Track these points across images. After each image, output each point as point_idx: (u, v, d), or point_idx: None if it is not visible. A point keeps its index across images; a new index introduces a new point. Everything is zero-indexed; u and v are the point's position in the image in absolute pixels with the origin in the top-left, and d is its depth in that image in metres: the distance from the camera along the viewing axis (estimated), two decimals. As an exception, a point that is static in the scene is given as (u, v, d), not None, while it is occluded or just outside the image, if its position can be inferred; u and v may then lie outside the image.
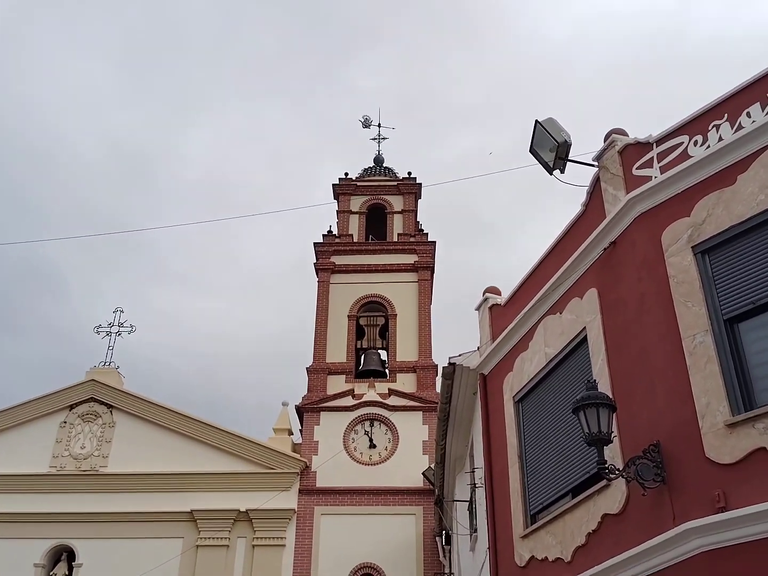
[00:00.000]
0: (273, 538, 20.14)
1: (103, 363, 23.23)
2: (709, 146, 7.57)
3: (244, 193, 63.33)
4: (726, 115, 7.56)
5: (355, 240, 25.41)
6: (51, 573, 20.21)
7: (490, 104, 65.71)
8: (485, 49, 64.81)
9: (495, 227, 62.94)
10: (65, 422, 22.06)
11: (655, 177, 7.96)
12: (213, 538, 20.06)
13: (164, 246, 61.66)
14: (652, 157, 8.15)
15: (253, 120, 66.03)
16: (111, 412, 22.19)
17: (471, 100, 64.44)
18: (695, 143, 7.74)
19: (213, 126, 65.01)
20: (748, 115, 7.37)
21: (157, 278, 61.73)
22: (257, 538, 20.15)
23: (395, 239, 25.33)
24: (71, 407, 22.30)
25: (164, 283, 61.78)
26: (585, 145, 9.63)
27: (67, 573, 20.10)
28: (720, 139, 7.50)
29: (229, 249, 63.59)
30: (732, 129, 7.43)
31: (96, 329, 23.71)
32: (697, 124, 7.82)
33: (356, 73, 66.09)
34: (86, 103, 61.25)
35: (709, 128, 7.66)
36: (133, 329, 23.83)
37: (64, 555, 20.31)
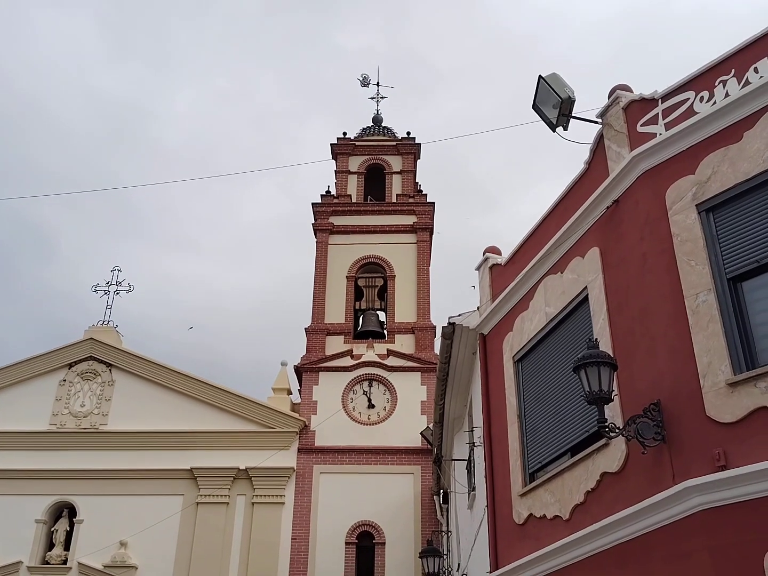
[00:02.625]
0: (272, 496, 20.34)
1: (101, 322, 23.27)
2: (715, 102, 7.43)
3: (229, 153, 62.92)
4: (733, 70, 7.41)
5: (354, 201, 25.26)
6: (52, 529, 20.46)
7: (476, 65, 64.89)
8: (473, 5, 63.75)
9: (485, 189, 62.58)
10: (64, 380, 22.15)
11: (660, 134, 7.83)
12: (213, 495, 20.26)
13: (150, 207, 61.36)
14: (657, 113, 8.00)
15: (236, 81, 65.52)
16: (110, 370, 22.26)
17: (458, 61, 63.62)
18: (701, 99, 7.60)
19: (196, 86, 64.51)
20: (756, 70, 7.22)
21: (145, 239, 61.56)
22: (257, 495, 20.35)
23: (394, 200, 25.17)
24: (70, 366, 22.39)
25: (153, 244, 61.61)
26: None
27: (68, 529, 20.37)
28: (726, 95, 7.36)
29: (216, 210, 63.30)
30: (739, 84, 7.29)
31: (94, 288, 23.73)
32: (703, 80, 7.67)
33: (340, 33, 65.19)
34: (69, 63, 60.52)
35: (716, 84, 7.51)
36: (131, 288, 23.86)
37: (65, 511, 20.57)
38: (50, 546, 20.30)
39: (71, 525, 20.37)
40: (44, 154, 58.70)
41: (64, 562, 19.93)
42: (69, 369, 22.35)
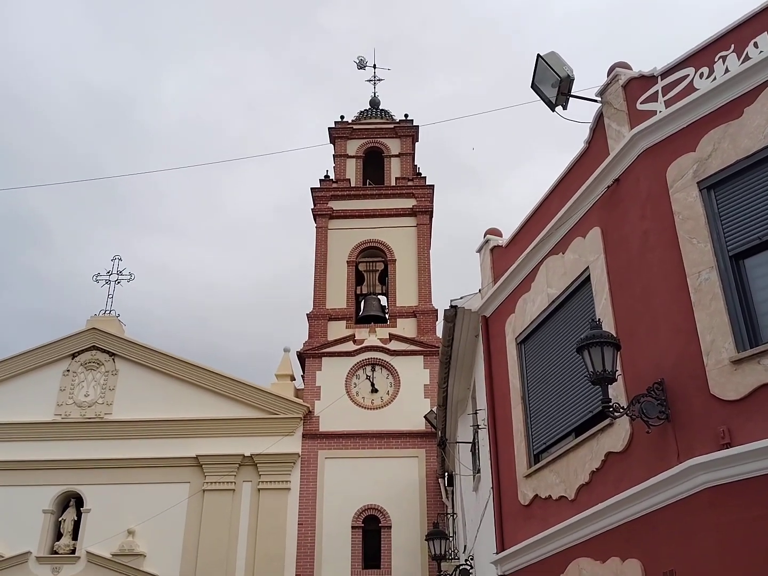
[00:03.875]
0: (278, 482, 20.43)
1: (103, 311, 23.27)
2: (715, 78, 7.36)
3: (220, 138, 62.62)
4: (733, 45, 7.33)
5: (353, 184, 25.18)
6: (60, 518, 20.56)
7: (466, 46, 64.45)
8: None
9: (477, 171, 62.34)
10: (68, 370, 22.19)
11: (660, 111, 7.76)
12: (219, 482, 20.34)
13: (141, 194, 61.13)
14: (657, 90, 7.94)
15: (227, 65, 65.19)
16: (113, 359, 22.29)
17: (448, 42, 63.19)
18: (701, 75, 7.53)
19: (187, 71, 64.12)
20: (756, 45, 7.14)
21: (140, 227, 61.38)
22: (262, 482, 20.43)
23: (393, 183, 25.08)
24: (73, 356, 22.41)
25: (149, 231, 61.38)
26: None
27: (75, 518, 20.48)
28: (726, 70, 7.29)
29: (209, 196, 63.08)
30: (739, 60, 7.22)
31: (95, 277, 23.72)
32: (703, 56, 7.60)
33: (327, 16, 64.72)
34: (54, 50, 60.11)
35: (716, 60, 7.44)
36: (132, 277, 23.84)
37: (72, 501, 20.67)
38: (58, 536, 20.43)
39: (79, 514, 20.47)
40: (30, 143, 58.50)
41: (73, 551, 20.05)
42: (72, 359, 22.39)
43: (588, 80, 8.78)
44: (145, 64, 63.39)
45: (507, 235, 11.23)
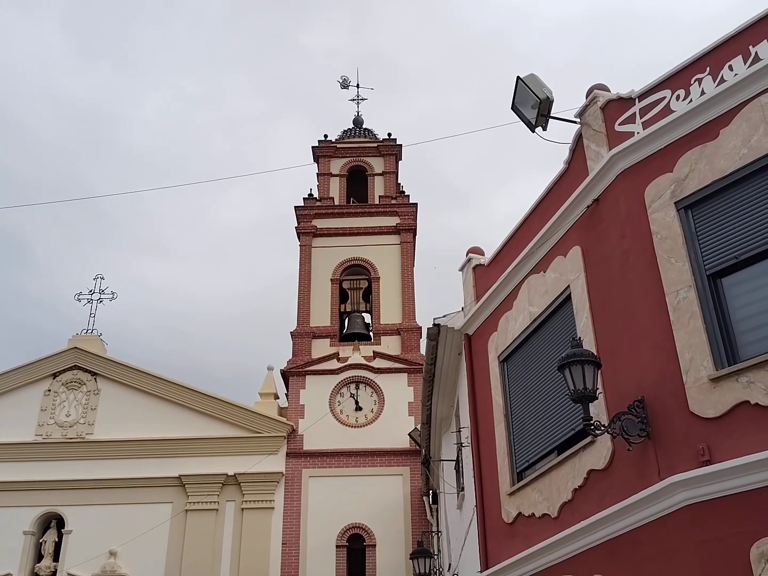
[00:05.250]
0: (262, 501, 20.31)
1: (85, 330, 23.12)
2: (691, 100, 7.51)
3: (202, 157, 62.64)
4: (708, 68, 7.49)
5: (337, 203, 25.25)
6: (41, 540, 20.32)
7: (444, 65, 64.96)
8: (436, 8, 63.78)
9: (458, 189, 62.67)
10: (49, 390, 22.02)
11: (638, 132, 7.90)
12: (202, 502, 20.20)
13: (123, 213, 60.82)
14: (635, 112, 8.08)
15: (205, 85, 65.27)
16: (95, 379, 22.14)
17: (425, 61, 63.65)
18: (677, 97, 7.67)
19: (167, 90, 64.06)
20: (731, 68, 7.30)
21: (119, 245, 60.98)
22: (246, 501, 20.31)
23: (377, 201, 25.18)
24: (54, 375, 22.24)
25: (131, 249, 61.04)
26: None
27: (56, 540, 20.23)
28: (702, 92, 7.44)
29: (191, 215, 62.95)
30: (714, 82, 7.37)
31: (77, 296, 23.59)
32: (679, 78, 7.75)
33: (306, 35, 65.09)
34: (35, 68, 59.93)
35: (692, 82, 7.59)
36: (114, 296, 23.73)
37: (54, 522, 20.43)
38: (39, 557, 20.15)
39: (60, 536, 20.23)
40: (12, 162, 58.16)
41: (54, 573, 19.79)
42: (54, 379, 22.21)
43: (568, 96, 8.90)
44: (125, 83, 63.39)
45: (489, 253, 11.32)
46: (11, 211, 53.97)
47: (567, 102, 8.91)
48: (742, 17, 7.44)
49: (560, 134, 9.14)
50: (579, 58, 59.37)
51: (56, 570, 19.80)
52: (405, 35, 64.49)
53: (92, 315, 23.38)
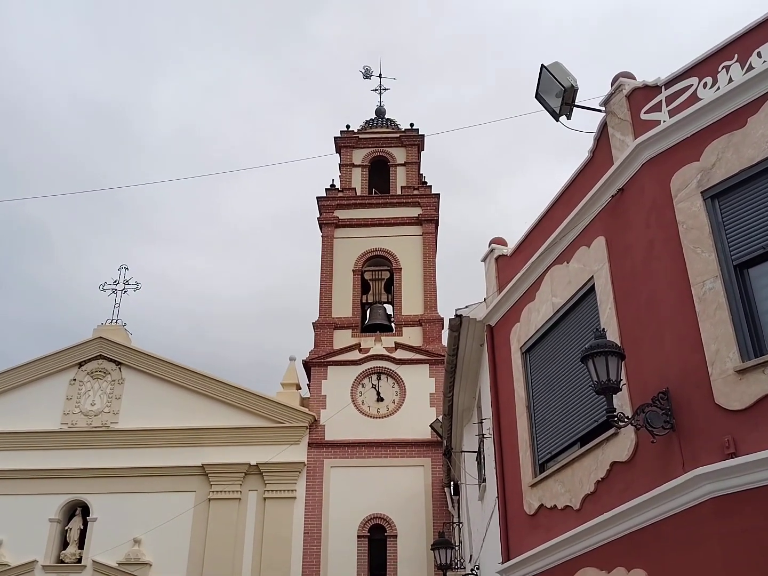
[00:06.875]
0: (284, 491, 20.41)
1: (109, 320, 23.32)
2: (719, 88, 7.38)
3: (218, 147, 62.64)
4: (736, 55, 7.36)
5: (359, 194, 25.23)
6: (66, 527, 20.58)
7: (458, 54, 64.45)
8: None
9: (473, 180, 62.30)
10: (75, 379, 22.25)
11: (664, 121, 7.79)
12: (225, 491, 20.34)
13: (141, 204, 61.06)
14: (661, 100, 7.96)
15: (221, 73, 65.17)
16: (120, 369, 22.34)
17: (439, 51, 63.22)
18: (705, 85, 7.55)
19: (181, 80, 64.10)
20: (759, 55, 7.17)
21: (139, 236, 61.18)
22: (268, 491, 20.42)
23: (399, 192, 25.12)
24: (80, 365, 22.46)
25: (147, 241, 61.05)
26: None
27: (81, 527, 20.49)
28: (730, 80, 7.31)
29: (209, 205, 63.07)
30: (742, 70, 7.24)
31: (102, 287, 23.81)
32: (706, 66, 7.62)
33: (320, 24, 64.84)
34: (51, 60, 60.20)
35: (719, 69, 7.46)
36: (139, 286, 23.93)
37: (79, 510, 20.68)
38: (65, 545, 20.43)
39: (85, 523, 20.49)
40: (27, 152, 58.55)
41: (79, 560, 20.04)
42: (79, 368, 22.45)
43: (586, 88, 8.77)
44: (139, 72, 63.55)
45: (511, 243, 11.24)
46: (31, 204, 54.45)
47: (587, 91, 8.78)
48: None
49: (584, 124, 9.05)
50: (594, 47, 58.78)
51: (81, 557, 20.05)
52: (420, 24, 64.17)
53: (117, 305, 23.60)
